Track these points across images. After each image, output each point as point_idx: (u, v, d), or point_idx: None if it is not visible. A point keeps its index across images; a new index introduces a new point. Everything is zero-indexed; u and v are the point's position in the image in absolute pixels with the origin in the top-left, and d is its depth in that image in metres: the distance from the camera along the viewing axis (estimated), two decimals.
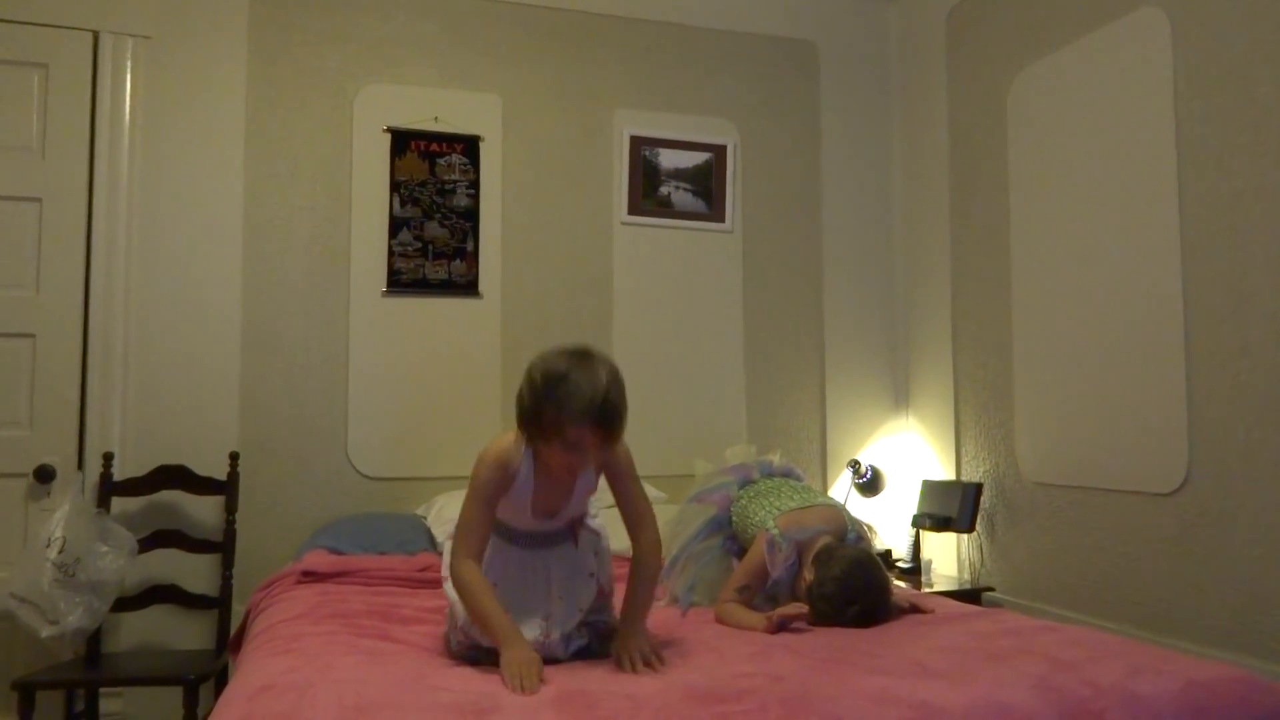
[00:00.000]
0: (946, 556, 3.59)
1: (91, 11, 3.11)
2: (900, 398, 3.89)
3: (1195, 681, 1.62)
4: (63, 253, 3.06)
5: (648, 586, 1.92)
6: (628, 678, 1.69)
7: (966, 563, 3.51)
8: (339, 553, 2.75)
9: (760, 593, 2.28)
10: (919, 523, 3.48)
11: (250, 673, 1.72)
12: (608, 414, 1.75)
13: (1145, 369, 2.77)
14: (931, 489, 3.55)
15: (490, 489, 1.84)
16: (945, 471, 3.64)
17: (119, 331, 3.08)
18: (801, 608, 2.12)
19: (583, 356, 1.79)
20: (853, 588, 2.09)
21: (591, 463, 1.85)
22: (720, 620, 2.19)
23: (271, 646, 1.92)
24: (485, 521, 1.85)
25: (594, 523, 2.02)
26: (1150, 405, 2.75)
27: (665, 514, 2.84)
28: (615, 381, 1.79)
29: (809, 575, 2.17)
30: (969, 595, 3.19)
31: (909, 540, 3.52)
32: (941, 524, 3.39)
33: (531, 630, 1.82)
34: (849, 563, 2.13)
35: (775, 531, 2.27)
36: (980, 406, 3.47)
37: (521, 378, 1.81)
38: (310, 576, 2.56)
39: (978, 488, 3.35)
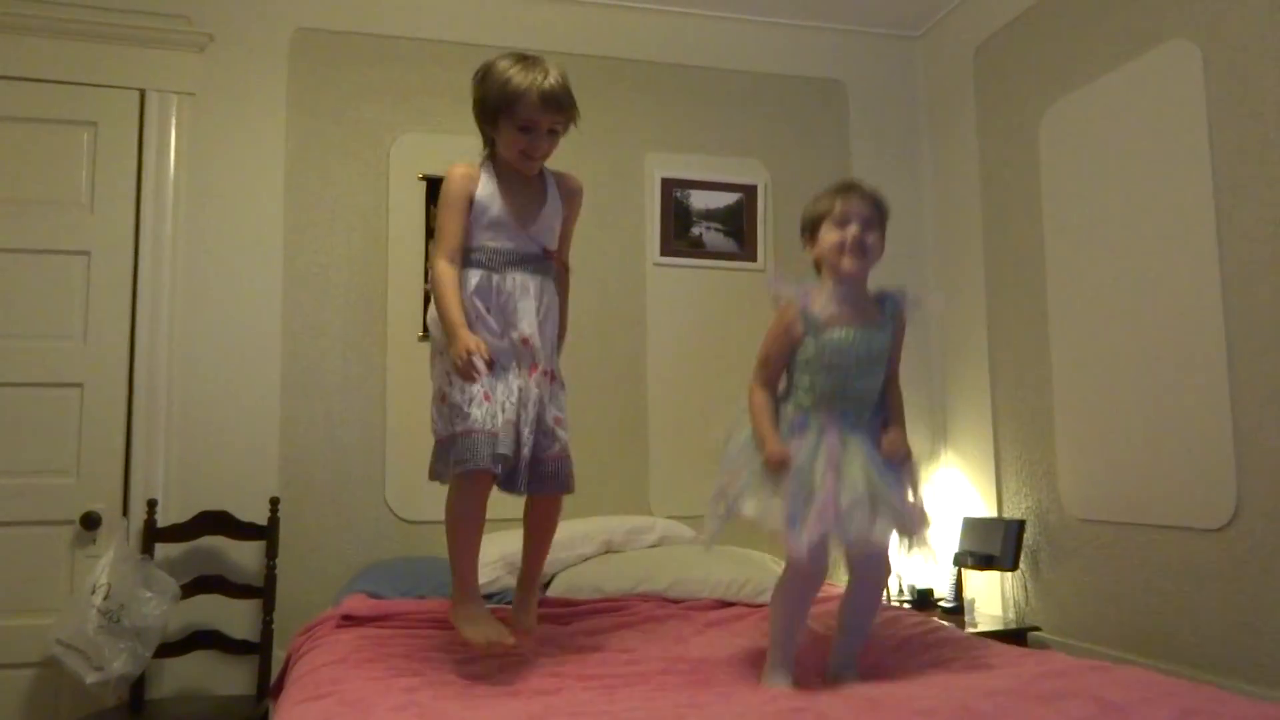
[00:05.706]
0: (990, 596, 3.52)
1: (138, 71, 3.22)
2: (938, 433, 3.85)
3: None
4: (110, 304, 3.14)
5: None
6: (662, 715, 1.65)
7: (1011, 602, 3.44)
8: (378, 597, 2.75)
9: (780, 364, 2.15)
10: (960, 561, 3.42)
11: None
12: (553, 94, 2.01)
13: (1190, 400, 2.72)
14: (973, 526, 3.49)
15: (456, 192, 2.06)
16: (987, 508, 3.58)
17: (163, 380, 3.15)
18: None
19: (528, 55, 2.06)
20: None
21: (544, 147, 2.08)
22: (750, 404, 2.15)
23: (309, 691, 1.92)
24: (458, 226, 2.05)
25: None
26: (1196, 438, 2.70)
27: (697, 551, 2.83)
28: (560, 71, 2.07)
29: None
30: (1014, 635, 3.12)
31: (951, 579, 3.46)
32: (984, 562, 3.33)
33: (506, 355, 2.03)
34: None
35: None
36: (1021, 441, 3.42)
37: None
38: (350, 621, 2.56)
39: (1020, 524, 3.29)
